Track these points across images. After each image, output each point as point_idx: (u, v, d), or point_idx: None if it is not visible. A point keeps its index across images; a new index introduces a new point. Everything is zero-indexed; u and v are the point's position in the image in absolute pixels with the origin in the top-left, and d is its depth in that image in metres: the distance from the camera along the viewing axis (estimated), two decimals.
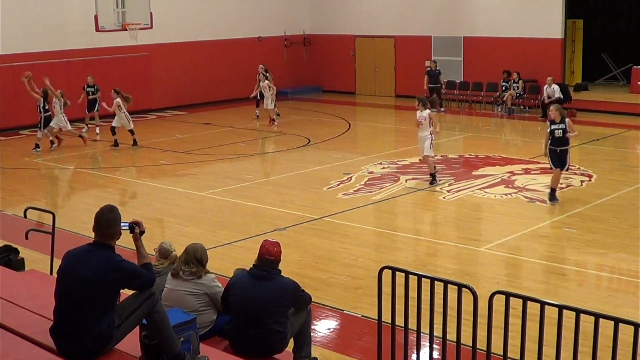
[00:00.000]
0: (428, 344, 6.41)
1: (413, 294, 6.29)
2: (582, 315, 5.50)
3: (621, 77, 26.26)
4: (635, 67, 24.37)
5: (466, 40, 26.12)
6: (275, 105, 22.36)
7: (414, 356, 7.15)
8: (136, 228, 5.65)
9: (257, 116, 23.23)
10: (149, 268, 5.60)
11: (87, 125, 21.59)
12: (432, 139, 14.53)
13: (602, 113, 22.89)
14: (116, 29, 22.67)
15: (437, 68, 24.76)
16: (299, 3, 29.52)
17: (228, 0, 27.15)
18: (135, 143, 19.29)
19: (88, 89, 21.44)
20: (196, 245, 6.84)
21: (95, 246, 5.44)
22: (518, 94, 23.97)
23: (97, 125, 21.21)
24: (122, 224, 5.55)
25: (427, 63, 25.12)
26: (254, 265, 6.36)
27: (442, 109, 24.52)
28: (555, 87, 22.38)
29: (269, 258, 6.30)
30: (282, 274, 6.43)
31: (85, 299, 5.28)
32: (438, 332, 6.36)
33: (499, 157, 17.32)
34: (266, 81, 21.90)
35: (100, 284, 5.27)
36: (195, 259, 6.69)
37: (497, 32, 25.32)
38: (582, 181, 14.87)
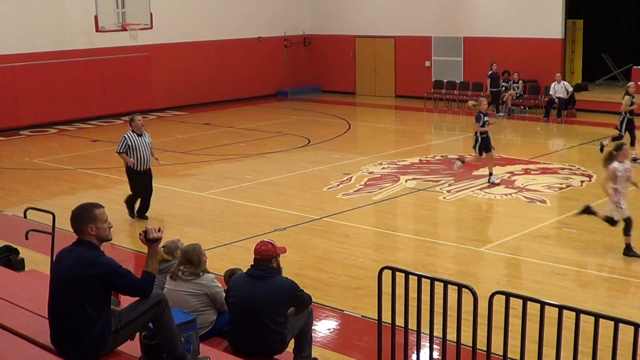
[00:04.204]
0: (428, 344, 6.40)
1: (413, 294, 6.28)
2: (582, 315, 5.50)
3: (621, 77, 26.25)
4: (635, 67, 24.36)
5: (466, 41, 26.12)
6: None
7: (414, 356, 7.16)
8: (140, 235, 5.44)
9: None
10: (147, 277, 5.36)
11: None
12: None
13: (602, 113, 22.86)
14: (116, 29, 22.70)
15: (497, 71, 24.10)
16: (299, 3, 29.53)
17: (228, 0, 27.15)
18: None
19: (486, 119, 14.85)
20: (188, 247, 6.85)
21: (76, 244, 5.35)
22: (518, 94, 23.98)
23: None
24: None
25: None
26: (251, 265, 6.37)
27: (501, 114, 23.61)
28: (565, 83, 22.39)
29: (258, 257, 6.30)
30: (282, 274, 6.44)
31: (66, 297, 5.20)
32: (438, 332, 6.36)
33: (499, 157, 17.29)
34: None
35: (76, 280, 5.16)
36: (186, 259, 6.72)
37: (497, 32, 25.32)
38: (582, 181, 14.87)
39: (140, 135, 12.38)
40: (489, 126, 14.80)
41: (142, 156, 12.34)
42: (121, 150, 12.37)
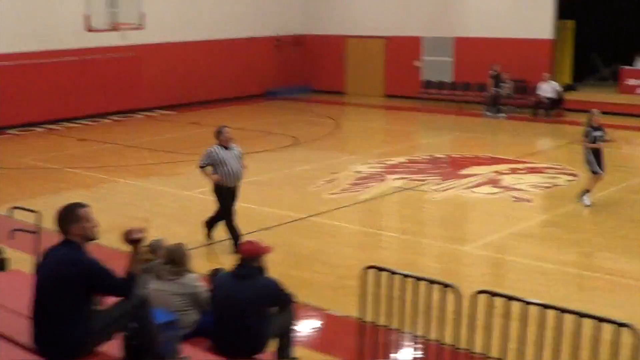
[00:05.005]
0: (411, 344, 6.41)
1: (397, 293, 6.28)
2: (565, 314, 5.51)
3: (610, 77, 26.34)
4: (623, 67, 24.44)
5: (457, 41, 26.15)
6: None
7: (397, 356, 7.15)
8: (123, 235, 5.41)
9: None
10: (130, 278, 5.36)
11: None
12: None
13: None
14: (107, 29, 22.59)
15: (499, 71, 23.91)
16: (290, 3, 29.49)
17: (219, 0, 27.10)
18: None
19: (596, 134, 13.57)
20: (172, 246, 6.84)
21: (62, 243, 5.37)
22: (508, 94, 24.02)
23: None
24: None
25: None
26: (235, 265, 6.36)
27: (503, 114, 23.65)
28: (553, 83, 22.42)
29: (242, 256, 6.30)
30: (266, 273, 6.43)
31: (49, 296, 5.20)
32: (422, 331, 6.36)
33: (486, 157, 17.36)
34: None
35: (59, 280, 5.17)
36: (169, 259, 6.71)
37: (487, 32, 25.35)
38: (568, 180, 14.91)
39: (227, 148, 10.92)
40: (600, 142, 13.37)
41: (230, 170, 10.83)
42: (203, 164, 10.92)
